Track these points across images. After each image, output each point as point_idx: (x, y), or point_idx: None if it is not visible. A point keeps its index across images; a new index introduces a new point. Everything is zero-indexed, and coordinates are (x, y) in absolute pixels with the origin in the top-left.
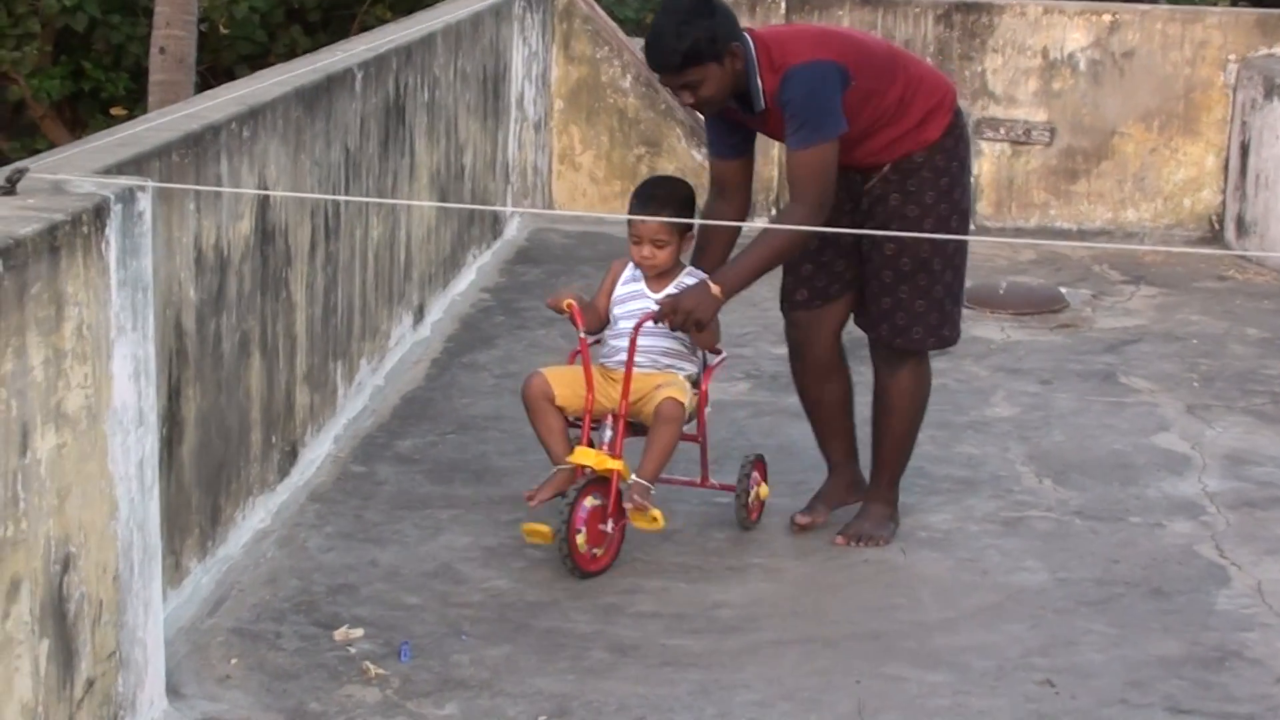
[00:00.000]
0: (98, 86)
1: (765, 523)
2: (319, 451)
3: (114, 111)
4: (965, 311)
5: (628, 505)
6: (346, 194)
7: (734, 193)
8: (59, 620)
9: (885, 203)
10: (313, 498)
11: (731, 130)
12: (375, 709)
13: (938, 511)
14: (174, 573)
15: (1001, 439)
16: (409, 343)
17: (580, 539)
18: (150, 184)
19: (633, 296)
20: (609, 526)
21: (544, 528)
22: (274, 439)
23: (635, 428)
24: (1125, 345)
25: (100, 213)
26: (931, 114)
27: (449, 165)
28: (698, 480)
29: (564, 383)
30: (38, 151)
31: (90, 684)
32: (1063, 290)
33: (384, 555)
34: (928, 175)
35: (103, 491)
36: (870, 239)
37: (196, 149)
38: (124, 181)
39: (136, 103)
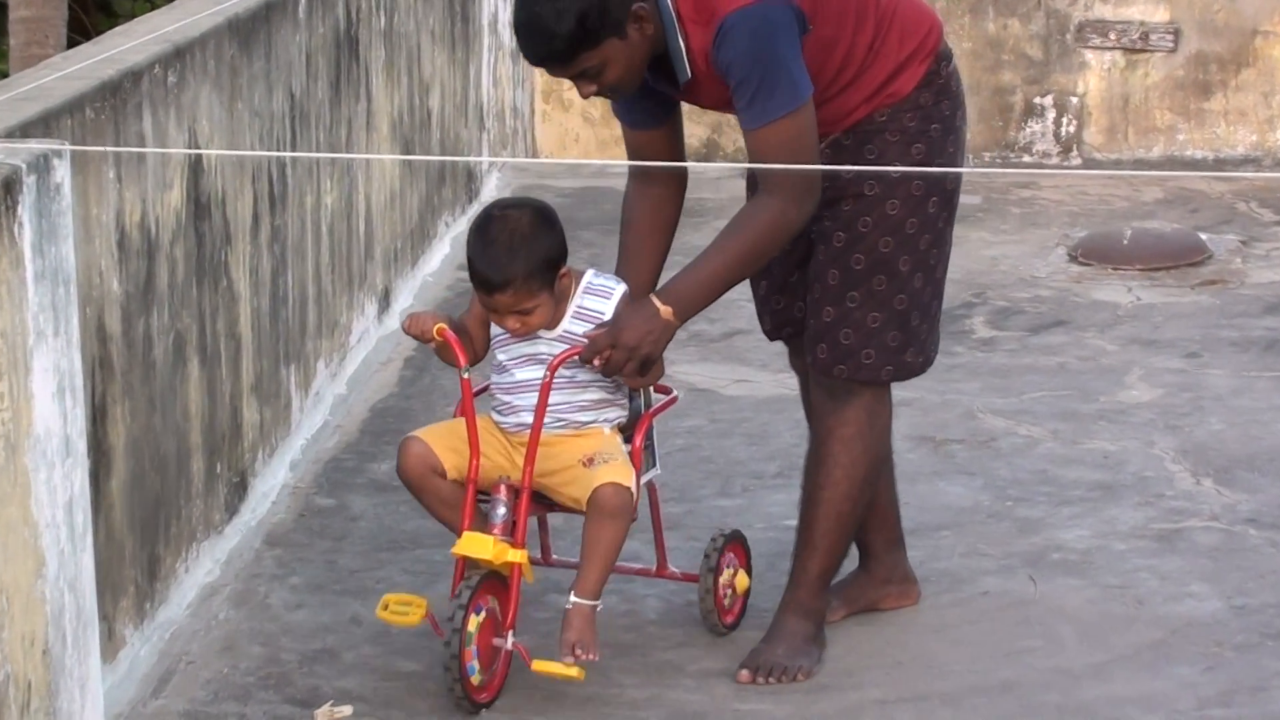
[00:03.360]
0: None
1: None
2: (273, 482)
3: None
4: (1081, 269)
5: (566, 658)
6: (293, 150)
7: (662, 172)
8: None
9: (833, 179)
10: (270, 541)
11: (645, 92)
12: None
13: (1072, 526)
14: (107, 643)
15: (1144, 430)
16: (374, 338)
17: (474, 669)
18: (67, 147)
19: (522, 338)
20: (507, 641)
21: (414, 601)
22: (219, 467)
23: (540, 498)
24: None
25: (10, 187)
26: (905, 63)
27: (413, 110)
28: (652, 567)
29: (452, 447)
30: None
31: None
32: (1203, 237)
33: (368, 610)
34: (893, 140)
35: (26, 543)
36: (816, 229)
37: (114, 101)
38: (35, 146)
39: None
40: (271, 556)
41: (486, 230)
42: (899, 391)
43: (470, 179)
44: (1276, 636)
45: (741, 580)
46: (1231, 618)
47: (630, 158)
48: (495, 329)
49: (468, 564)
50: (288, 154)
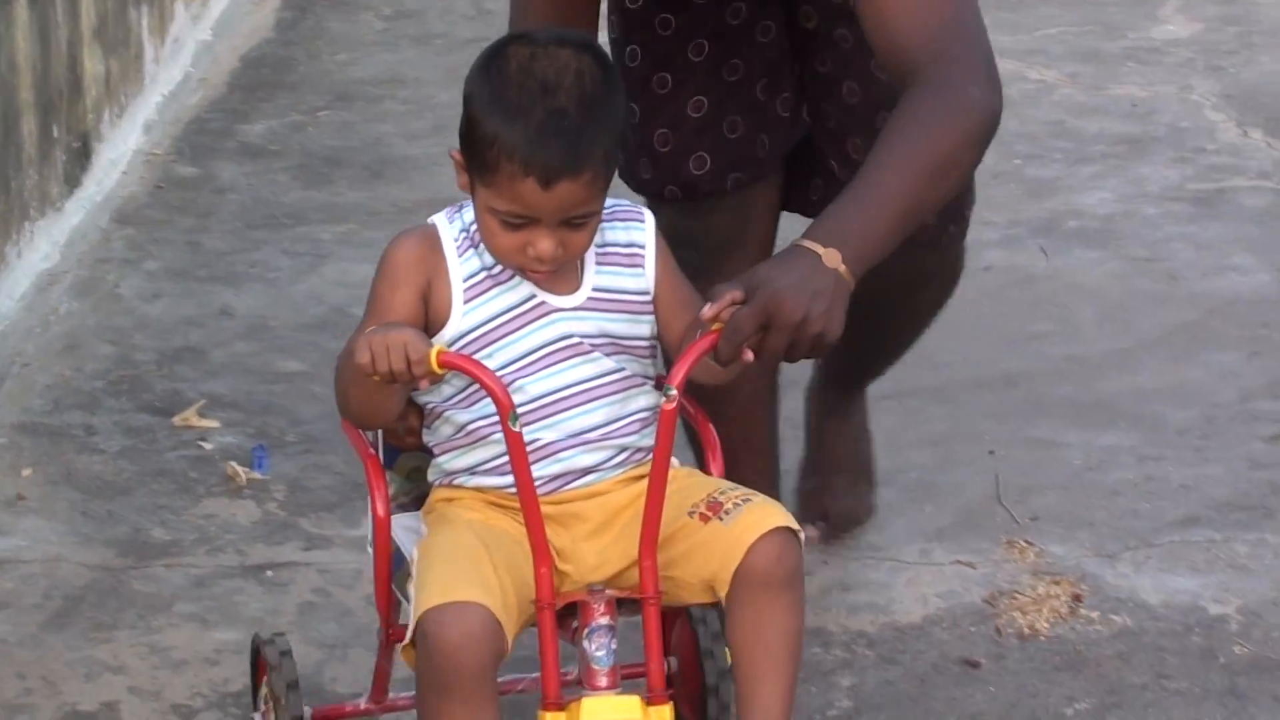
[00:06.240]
0: None
1: None
2: (123, 147)
3: None
4: None
5: None
6: None
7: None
8: None
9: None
10: (120, 218)
11: None
12: (254, 532)
13: (1092, 188)
14: None
15: (1180, 72)
16: None
17: None
18: None
19: (527, 315)
20: None
21: None
22: (55, 130)
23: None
24: None
25: None
26: None
27: None
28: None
29: (495, 588)
30: None
31: None
32: None
33: (241, 300)
34: None
35: None
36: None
37: None
38: None
39: None
40: (122, 237)
41: (530, 73)
42: None
43: None
44: None
45: None
46: None
47: (518, 23)
48: (472, 311)
49: None
50: None
